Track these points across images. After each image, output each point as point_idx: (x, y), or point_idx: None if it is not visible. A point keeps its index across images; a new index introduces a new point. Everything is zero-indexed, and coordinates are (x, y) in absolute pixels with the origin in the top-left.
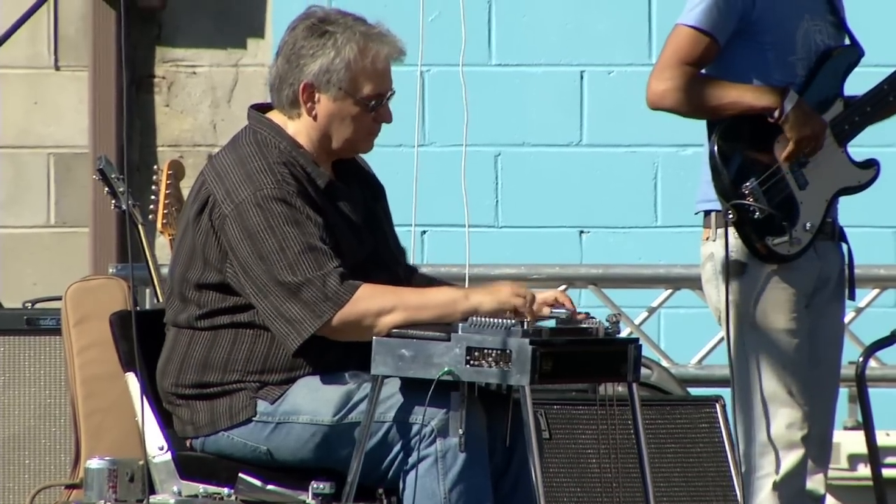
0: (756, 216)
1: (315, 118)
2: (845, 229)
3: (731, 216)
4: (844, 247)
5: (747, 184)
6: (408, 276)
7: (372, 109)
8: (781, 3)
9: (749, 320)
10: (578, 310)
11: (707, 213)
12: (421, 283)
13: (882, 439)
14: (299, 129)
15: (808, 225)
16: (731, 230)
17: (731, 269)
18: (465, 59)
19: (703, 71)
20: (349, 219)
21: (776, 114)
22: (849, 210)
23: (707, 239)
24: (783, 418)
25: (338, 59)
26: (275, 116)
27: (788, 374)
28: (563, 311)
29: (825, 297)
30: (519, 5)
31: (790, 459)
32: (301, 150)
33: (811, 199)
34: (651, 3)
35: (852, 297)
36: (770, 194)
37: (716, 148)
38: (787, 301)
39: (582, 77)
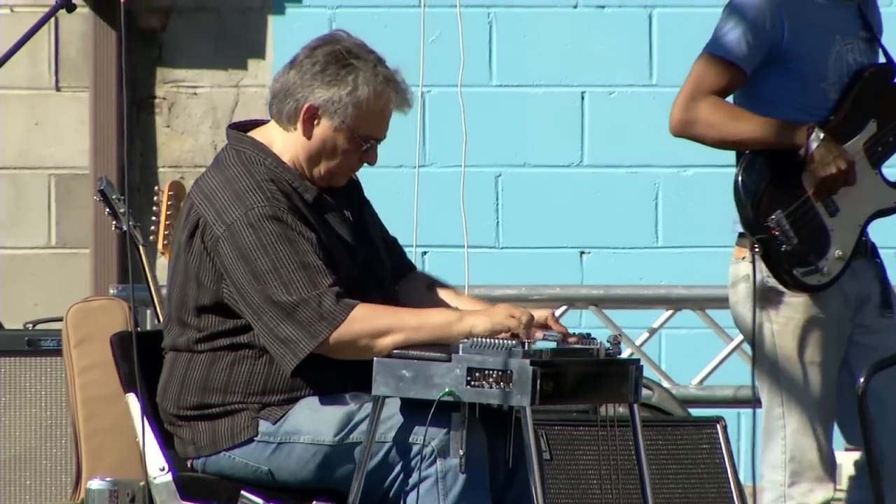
0: (783, 249)
1: (309, 138)
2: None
3: (757, 250)
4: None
5: (773, 216)
6: (404, 274)
7: (363, 149)
8: (812, 29)
9: (784, 351)
10: (580, 331)
11: (741, 234)
12: (421, 283)
13: None
14: (288, 144)
15: (838, 253)
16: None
17: (768, 296)
18: (466, 80)
19: (730, 99)
20: (339, 233)
21: (801, 152)
22: None
23: (743, 258)
24: (814, 452)
25: (351, 95)
26: (259, 134)
27: (821, 405)
28: (555, 333)
29: (871, 313)
30: (519, 26)
31: (822, 494)
32: (286, 165)
33: (843, 225)
34: (651, 23)
35: (889, 312)
36: (798, 225)
37: (740, 180)
38: (822, 330)
39: (583, 98)
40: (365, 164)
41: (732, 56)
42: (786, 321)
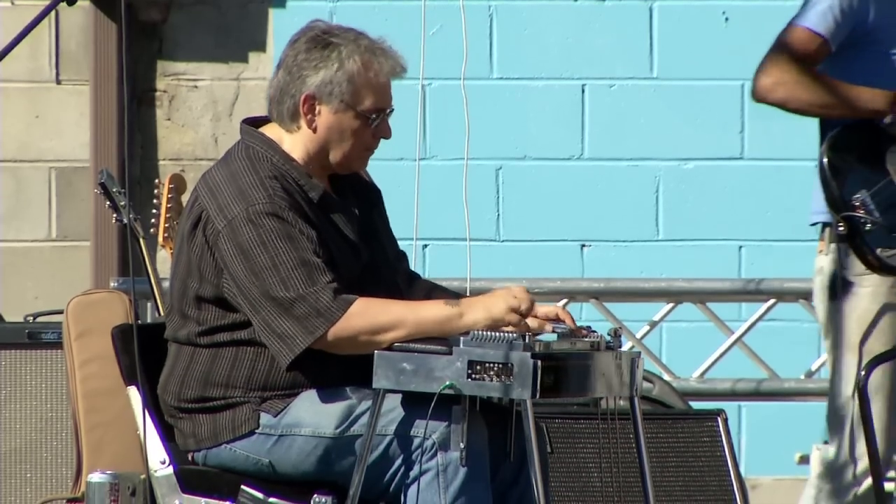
0: (868, 228)
1: (315, 130)
2: None
3: (841, 228)
4: None
5: (858, 195)
6: (408, 285)
7: (372, 123)
8: None
9: (849, 342)
10: (580, 324)
11: (823, 226)
12: (422, 290)
13: None
14: (297, 142)
15: None
16: (842, 246)
17: (841, 287)
18: (467, 73)
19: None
20: (344, 232)
21: (887, 119)
22: None
23: (820, 252)
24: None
25: (341, 72)
26: (270, 130)
27: (883, 399)
28: (564, 326)
29: None
30: (520, 19)
31: (866, 484)
32: (294, 163)
33: None
34: (652, 16)
35: None
36: (883, 205)
37: (825, 160)
38: (889, 325)
39: (583, 91)
40: (381, 141)
41: (817, 27)
42: (850, 311)
